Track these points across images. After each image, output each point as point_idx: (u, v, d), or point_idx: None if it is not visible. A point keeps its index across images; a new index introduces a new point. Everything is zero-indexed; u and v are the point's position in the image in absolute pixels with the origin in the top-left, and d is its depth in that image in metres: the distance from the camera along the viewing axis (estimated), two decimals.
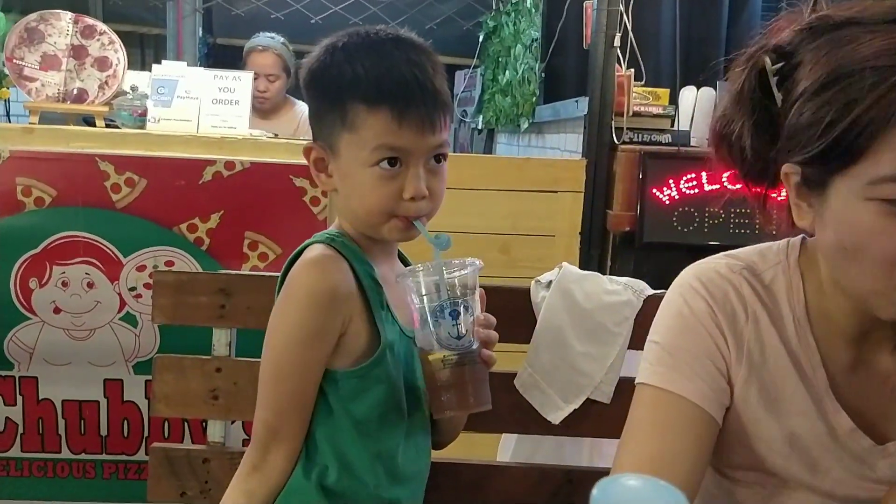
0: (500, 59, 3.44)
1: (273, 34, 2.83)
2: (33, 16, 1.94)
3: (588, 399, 1.00)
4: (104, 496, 1.86)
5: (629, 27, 1.99)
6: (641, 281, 1.04)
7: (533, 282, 1.04)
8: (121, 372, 1.83)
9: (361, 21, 3.57)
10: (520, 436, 1.10)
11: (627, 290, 1.01)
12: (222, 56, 4.07)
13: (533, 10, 2.94)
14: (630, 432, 0.76)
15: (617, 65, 2.00)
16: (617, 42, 1.98)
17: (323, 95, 0.87)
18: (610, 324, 1.00)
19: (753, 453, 0.77)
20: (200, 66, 3.39)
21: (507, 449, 1.11)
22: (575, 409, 0.99)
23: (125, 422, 1.86)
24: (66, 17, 1.96)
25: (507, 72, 3.22)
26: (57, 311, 1.79)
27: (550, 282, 1.02)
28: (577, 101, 2.14)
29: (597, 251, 2.02)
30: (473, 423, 1.01)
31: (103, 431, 1.85)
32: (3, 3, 2.31)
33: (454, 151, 4.64)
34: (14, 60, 1.91)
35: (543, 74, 2.80)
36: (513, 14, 3.22)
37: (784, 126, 0.69)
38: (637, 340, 1.01)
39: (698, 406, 0.73)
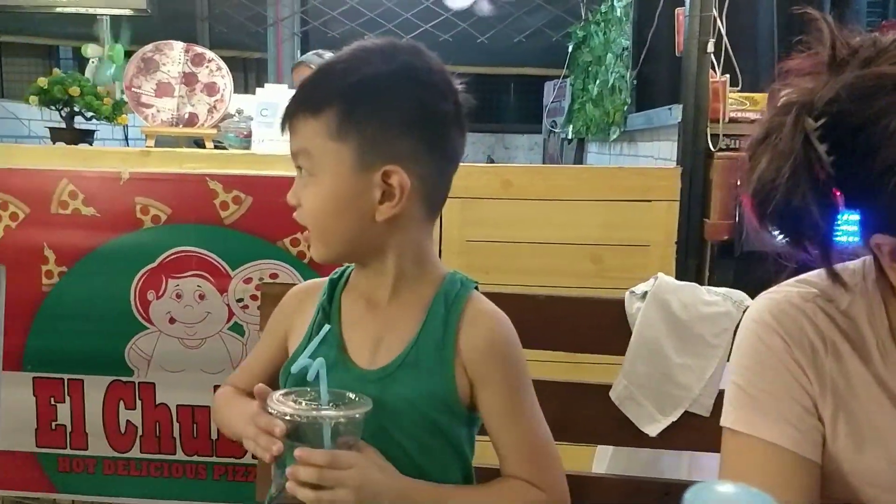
0: (589, 69, 3.42)
1: (323, 52, 2.90)
2: (149, 47, 2.09)
3: (686, 412, 0.99)
4: (215, 496, 1.96)
5: (723, 32, 1.95)
6: (741, 291, 1.02)
7: (627, 293, 1.03)
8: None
9: (451, 38, 3.63)
10: (616, 447, 1.09)
11: (726, 300, 1.00)
12: None
13: (623, 19, 2.92)
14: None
15: (711, 70, 1.95)
16: (710, 48, 1.94)
17: None
18: (709, 335, 0.98)
19: (849, 488, 0.73)
20: None
21: (602, 460, 1.11)
22: (672, 422, 0.98)
23: None
24: (179, 46, 2.10)
25: (597, 81, 3.20)
26: (172, 321, 1.91)
27: (645, 293, 1.02)
28: (670, 109, 2.10)
29: (694, 261, 1.97)
30: (568, 435, 1.01)
31: (213, 435, 1.95)
32: (116, 34, 2.50)
33: (543, 162, 4.64)
34: (132, 89, 2.06)
35: (635, 82, 2.76)
36: (602, 24, 3.20)
37: (869, 197, 0.64)
38: None
39: (789, 451, 0.70)
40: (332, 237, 0.83)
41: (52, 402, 1.95)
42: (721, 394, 0.98)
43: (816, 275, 0.75)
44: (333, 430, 0.74)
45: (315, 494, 0.73)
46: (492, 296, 1.03)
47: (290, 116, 0.83)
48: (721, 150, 1.98)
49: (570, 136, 3.87)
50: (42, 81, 2.08)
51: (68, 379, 1.94)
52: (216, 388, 1.89)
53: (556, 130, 4.19)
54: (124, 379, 1.94)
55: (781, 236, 0.70)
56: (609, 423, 1.00)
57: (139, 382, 1.94)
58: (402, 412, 0.82)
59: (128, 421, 1.96)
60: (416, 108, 0.82)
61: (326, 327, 0.85)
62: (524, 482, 0.84)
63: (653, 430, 0.98)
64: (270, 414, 0.76)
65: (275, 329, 0.96)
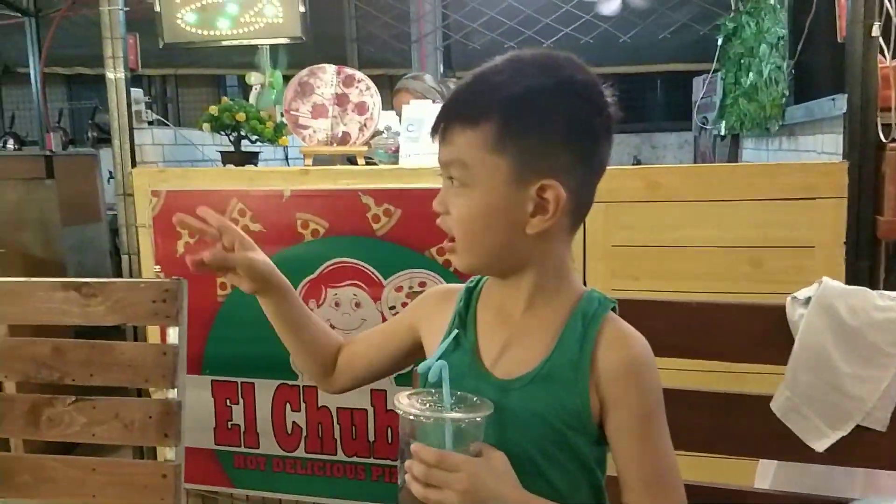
0: (741, 61, 3.24)
1: (420, 74, 2.97)
2: (305, 71, 2.23)
3: (858, 426, 0.92)
4: (374, 497, 2.06)
5: (892, 13, 1.78)
6: None
7: (788, 299, 0.98)
8: (384, 383, 2.01)
9: (592, 40, 3.58)
10: (780, 462, 1.04)
11: None
12: None
13: (778, 7, 2.74)
14: None
15: (880, 56, 1.79)
16: (877, 31, 1.78)
17: None
18: (883, 343, 0.91)
19: None
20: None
21: (765, 475, 1.05)
22: (843, 437, 0.92)
23: (388, 429, 2.05)
24: (331, 69, 2.23)
25: (750, 73, 3.03)
26: (331, 328, 2.02)
27: (809, 298, 0.95)
28: (833, 99, 1.95)
29: (865, 262, 1.81)
30: (724, 447, 0.97)
31: (370, 437, 2.05)
32: (275, 61, 2.68)
33: (695, 162, 4.45)
34: (291, 111, 2.21)
35: (793, 73, 2.59)
36: (754, 13, 3.03)
37: None
38: None
39: None
40: (480, 248, 0.83)
41: (228, 403, 2.13)
42: None
43: None
44: (454, 432, 0.76)
45: (424, 491, 0.75)
46: (641, 304, 1.01)
47: (445, 125, 0.83)
48: (894, 140, 1.81)
49: (722, 133, 3.69)
50: (213, 109, 2.28)
51: (241, 382, 2.12)
52: (373, 392, 2.02)
53: (708, 127, 4.00)
54: (290, 382, 2.08)
55: None
56: (770, 437, 0.95)
57: (303, 386, 2.08)
58: (533, 424, 0.83)
59: (294, 422, 2.10)
60: (575, 121, 0.81)
61: (455, 332, 0.88)
62: None
63: (820, 445, 0.91)
64: (397, 411, 0.80)
65: (407, 317, 1.00)
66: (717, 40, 3.66)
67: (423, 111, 2.07)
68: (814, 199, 1.81)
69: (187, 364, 1.33)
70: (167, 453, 1.31)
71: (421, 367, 0.82)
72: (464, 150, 0.81)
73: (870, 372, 0.90)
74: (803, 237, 1.81)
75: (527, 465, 0.83)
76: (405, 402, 0.79)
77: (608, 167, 0.87)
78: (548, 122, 0.80)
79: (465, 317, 0.91)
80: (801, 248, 1.82)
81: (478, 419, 0.77)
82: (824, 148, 2.19)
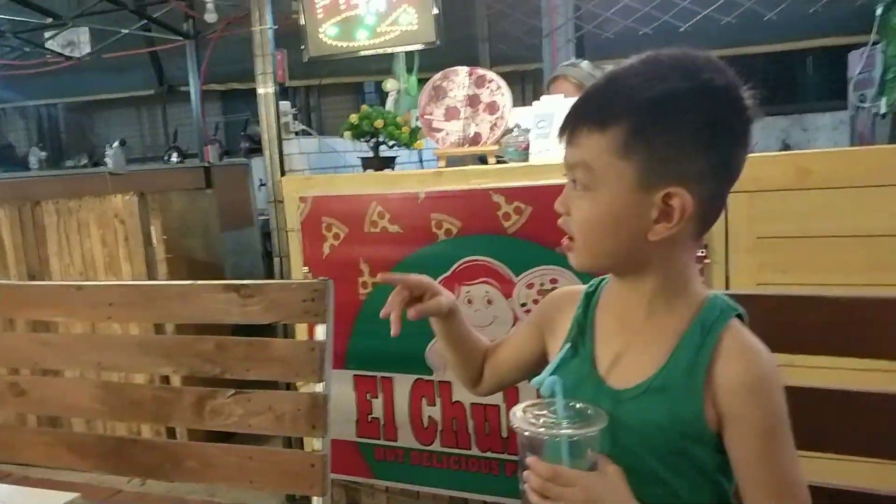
0: None
1: (578, 61, 2.87)
2: (438, 76, 2.28)
3: None
4: (507, 492, 2.07)
5: None
6: None
7: None
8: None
9: (734, 20, 3.39)
10: None
11: None
12: None
13: None
14: None
15: None
16: None
17: None
18: None
19: None
20: None
21: None
22: None
23: (486, 422, 2.06)
24: (463, 72, 2.26)
25: None
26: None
27: None
28: None
29: None
30: (884, 451, 0.90)
31: (503, 433, 2.07)
32: (410, 66, 2.76)
33: (852, 144, 4.10)
34: (425, 115, 2.27)
35: None
36: None
37: None
38: None
39: None
40: (599, 251, 0.83)
41: (368, 397, 2.22)
42: None
43: None
44: (571, 446, 0.76)
45: (541, 502, 0.77)
46: (782, 298, 0.96)
47: (573, 127, 0.82)
48: None
49: (883, 111, 3.38)
50: (353, 118, 2.39)
51: (381, 377, 2.20)
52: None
53: (866, 105, 3.68)
54: (426, 377, 2.14)
55: None
56: None
57: (438, 381, 2.13)
58: (650, 434, 0.81)
59: (429, 416, 2.15)
60: (710, 128, 0.78)
61: (567, 346, 0.87)
62: None
63: None
64: (513, 427, 0.81)
65: (536, 321, 1.01)
66: (875, 10, 3.35)
67: (553, 106, 2.06)
68: None
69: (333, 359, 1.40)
70: (315, 443, 1.37)
71: (535, 381, 0.83)
72: (590, 154, 0.80)
73: None
74: None
75: (646, 474, 0.82)
76: (519, 417, 0.80)
77: (754, 154, 0.85)
78: (682, 128, 0.77)
79: (583, 323, 0.91)
80: None
81: (591, 433, 0.77)
82: None
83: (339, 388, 2.21)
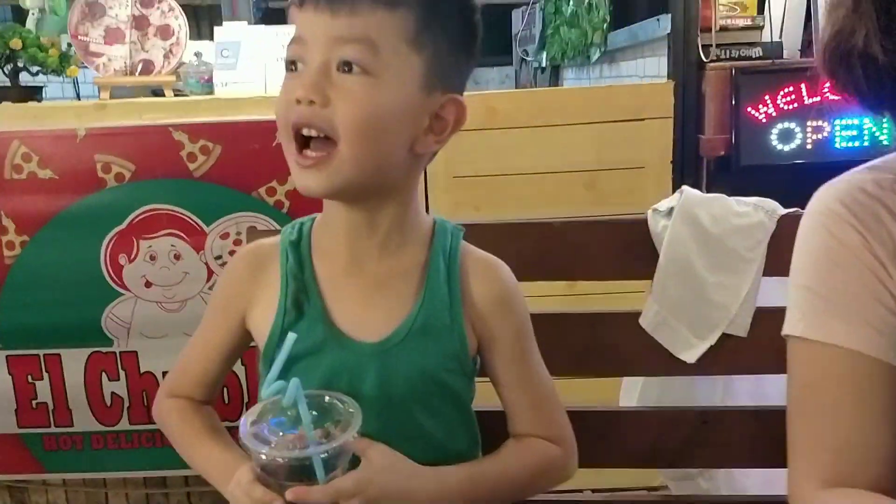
0: None
1: None
2: None
3: (723, 334, 0.92)
4: None
5: None
6: (771, 200, 0.94)
7: (650, 211, 0.95)
8: None
9: None
10: (646, 379, 1.03)
11: (758, 210, 0.92)
12: (277, 19, 4.01)
13: None
14: (802, 406, 0.65)
15: None
16: None
17: None
18: (742, 249, 0.91)
19: None
20: None
21: (631, 393, 1.05)
22: (709, 346, 0.91)
23: (225, 389, 1.88)
24: None
25: (570, 2, 3.06)
26: (148, 284, 1.80)
27: (671, 209, 0.93)
28: (658, 20, 1.99)
29: (690, 179, 1.89)
30: (596, 368, 0.94)
31: None
32: None
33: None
34: (79, 37, 1.90)
35: None
36: None
37: None
38: (772, 266, 0.92)
39: (871, 357, 0.61)
40: (369, 160, 0.67)
41: (30, 380, 1.86)
42: (759, 313, 0.92)
43: (890, 160, 0.66)
44: (326, 460, 0.64)
45: None
46: (504, 226, 0.94)
47: None
48: (713, 60, 1.89)
49: (544, 64, 3.74)
50: None
51: (44, 354, 1.85)
52: None
53: (529, 59, 4.05)
54: (104, 349, 1.84)
55: (856, 94, 0.62)
56: (641, 353, 0.93)
57: (120, 352, 1.85)
58: (415, 382, 0.73)
59: (112, 393, 1.87)
60: (473, 41, 0.73)
61: (291, 337, 0.69)
62: (540, 440, 0.79)
63: (690, 356, 0.91)
64: (246, 448, 0.64)
65: (227, 310, 0.80)
66: None
67: (239, 33, 1.86)
68: (642, 120, 1.85)
69: None
70: None
71: (266, 392, 0.65)
72: (377, 31, 0.66)
73: (731, 279, 0.90)
74: (634, 158, 1.85)
75: (411, 429, 0.74)
76: (255, 440, 0.64)
77: None
78: (459, 33, 0.71)
79: (300, 277, 0.75)
80: (632, 169, 1.86)
81: (352, 437, 0.65)
82: (646, 71, 2.26)
83: None
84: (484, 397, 0.82)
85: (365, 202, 0.72)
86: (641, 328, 0.92)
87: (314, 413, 0.65)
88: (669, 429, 0.94)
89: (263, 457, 0.63)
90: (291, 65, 0.69)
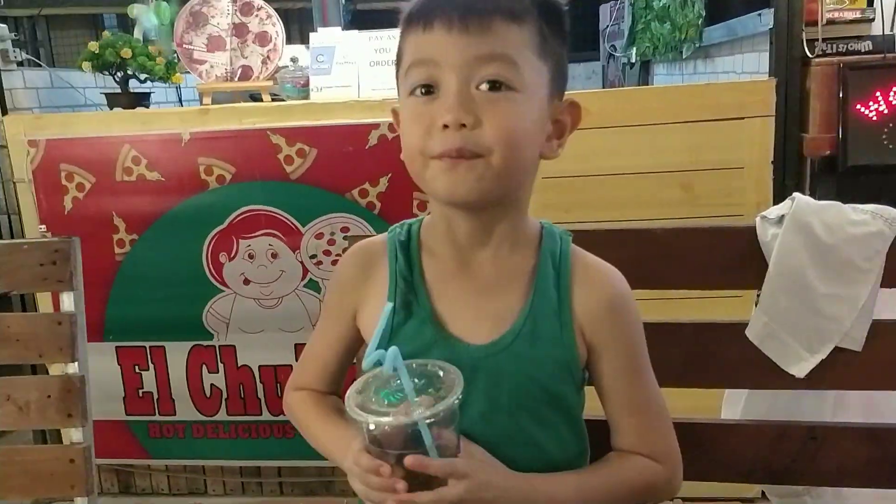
0: None
1: None
2: (196, 0, 2.00)
3: (835, 347, 0.88)
4: (304, 453, 1.95)
5: None
6: (891, 207, 0.89)
7: (758, 218, 0.91)
8: (309, 336, 1.89)
9: None
10: (750, 390, 0.99)
11: (877, 218, 0.87)
12: (364, 21, 4.08)
13: None
14: None
15: None
16: None
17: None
18: (859, 259, 0.86)
19: None
20: None
21: (734, 404, 1.01)
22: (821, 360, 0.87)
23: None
24: None
25: None
26: (246, 282, 1.87)
27: (782, 217, 0.89)
28: (759, 15, 1.91)
29: (793, 181, 1.81)
30: (701, 380, 0.92)
31: None
32: None
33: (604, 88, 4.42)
34: (184, 45, 1.99)
35: None
36: None
37: None
38: (891, 277, 0.87)
39: None
40: (516, 171, 0.68)
41: (137, 370, 1.96)
42: (875, 325, 0.87)
43: None
44: (431, 425, 0.63)
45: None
46: (602, 233, 0.93)
47: (484, 13, 0.67)
48: (819, 55, 1.80)
49: (633, 60, 3.66)
50: (93, 46, 2.02)
51: (150, 346, 1.95)
52: (298, 346, 1.88)
53: (617, 55, 3.97)
54: (205, 343, 1.93)
55: None
56: (747, 365, 0.89)
57: (220, 346, 1.93)
58: (522, 388, 0.73)
59: (212, 384, 1.96)
60: (566, 47, 0.73)
61: (390, 307, 0.71)
62: (644, 458, 0.76)
63: (800, 370, 0.87)
64: (354, 419, 0.65)
65: (340, 307, 0.81)
66: None
67: (333, 38, 1.90)
68: (742, 118, 1.78)
69: (87, 332, 1.17)
70: (73, 435, 1.16)
71: (366, 363, 0.66)
72: (512, 47, 0.67)
73: (847, 290, 0.86)
74: (733, 158, 1.78)
75: (517, 436, 0.73)
76: (359, 410, 0.64)
77: None
78: (565, 40, 0.72)
79: (409, 278, 0.76)
80: (730, 169, 1.80)
81: (455, 402, 0.64)
82: (744, 68, 2.17)
83: (100, 365, 1.92)
84: (592, 406, 0.80)
85: (489, 210, 0.72)
86: (747, 339, 0.89)
87: (416, 381, 0.66)
88: (775, 444, 0.90)
89: (372, 426, 0.64)
90: (422, 89, 0.69)
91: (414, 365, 0.68)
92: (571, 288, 0.74)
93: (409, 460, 0.63)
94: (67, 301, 1.14)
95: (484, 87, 0.66)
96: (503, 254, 0.74)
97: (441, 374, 0.67)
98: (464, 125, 0.66)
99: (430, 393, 0.65)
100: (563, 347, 0.73)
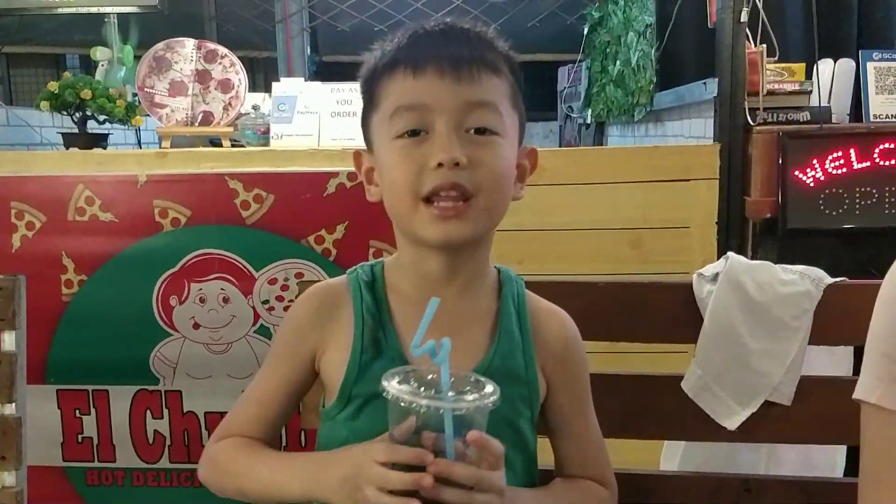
0: (608, 50, 3.33)
1: None
2: (160, 45, 2.03)
3: (766, 401, 0.91)
4: None
5: (758, 1, 1.86)
6: (818, 269, 0.94)
7: (695, 275, 0.96)
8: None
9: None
10: (688, 442, 1.02)
11: (805, 279, 0.91)
12: (329, 73, 4.15)
13: None
14: (876, 476, 0.65)
15: (747, 41, 1.87)
16: (745, 17, 1.85)
17: (362, 90, 0.79)
18: (787, 317, 0.90)
19: None
20: None
21: (672, 456, 1.04)
22: (752, 413, 0.91)
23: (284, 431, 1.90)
24: (190, 43, 2.03)
25: (616, 62, 3.11)
26: (196, 326, 1.85)
27: (717, 274, 0.94)
28: (704, 84, 2.01)
29: (736, 241, 1.89)
30: (638, 431, 0.94)
31: None
32: (125, 37, 2.43)
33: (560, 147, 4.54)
34: (145, 89, 2.00)
35: (658, 60, 2.67)
36: (622, 2, 3.10)
37: None
38: (818, 335, 0.91)
39: None
40: (497, 212, 0.75)
41: (78, 415, 1.90)
42: (804, 381, 0.91)
43: None
44: (464, 420, 0.64)
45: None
46: (549, 284, 0.96)
47: (473, 63, 0.72)
48: (760, 123, 1.89)
49: (588, 121, 3.78)
50: (53, 86, 2.03)
51: (93, 390, 1.89)
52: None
53: (574, 115, 4.10)
54: (150, 388, 1.88)
55: None
56: (682, 417, 0.92)
57: (165, 391, 1.88)
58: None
59: (155, 430, 1.90)
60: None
61: (434, 301, 0.68)
62: (590, 481, 0.81)
63: (732, 423, 0.90)
64: (388, 394, 0.64)
65: (295, 349, 0.81)
66: (582, 30, 3.74)
67: (295, 87, 1.94)
68: (689, 180, 1.86)
69: (28, 374, 1.14)
70: (6, 479, 1.13)
71: (418, 352, 0.66)
72: (495, 96, 0.74)
73: (776, 346, 0.90)
74: (680, 218, 1.86)
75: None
76: (411, 392, 0.64)
77: None
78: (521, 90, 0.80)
79: (378, 315, 0.77)
80: (677, 228, 1.87)
81: (489, 403, 0.65)
82: (692, 132, 2.27)
83: (39, 408, 1.86)
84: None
85: (463, 249, 0.75)
86: (684, 392, 0.92)
87: (453, 379, 0.66)
88: (712, 495, 0.92)
89: (414, 402, 0.63)
90: (411, 133, 0.72)
91: (457, 373, 0.68)
92: (532, 329, 0.79)
93: (474, 435, 0.63)
94: (9, 340, 1.12)
95: (472, 131, 0.72)
96: (469, 293, 0.78)
97: (480, 382, 0.68)
98: (457, 164, 0.70)
99: (464, 390, 0.66)
100: (527, 385, 0.77)
